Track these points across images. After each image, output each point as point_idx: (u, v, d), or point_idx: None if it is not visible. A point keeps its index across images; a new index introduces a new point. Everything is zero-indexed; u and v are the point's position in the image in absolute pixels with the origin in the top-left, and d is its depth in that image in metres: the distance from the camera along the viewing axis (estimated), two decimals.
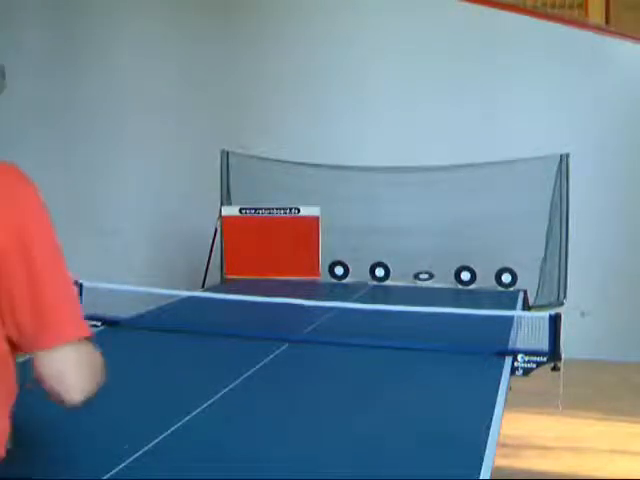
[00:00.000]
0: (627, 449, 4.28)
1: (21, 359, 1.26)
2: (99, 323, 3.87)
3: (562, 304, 5.84)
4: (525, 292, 5.31)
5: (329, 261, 5.87)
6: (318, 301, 4.19)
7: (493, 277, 5.58)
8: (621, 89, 6.49)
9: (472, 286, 5.61)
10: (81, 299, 3.93)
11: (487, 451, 2.08)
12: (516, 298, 5.08)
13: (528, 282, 5.72)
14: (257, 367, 3.06)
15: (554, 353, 3.35)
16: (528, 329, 3.64)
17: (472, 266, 5.63)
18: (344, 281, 5.82)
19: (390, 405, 2.65)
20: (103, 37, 7.48)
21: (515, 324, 3.83)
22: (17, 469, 1.79)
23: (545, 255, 6.19)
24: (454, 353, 3.37)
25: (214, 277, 6.03)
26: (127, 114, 7.45)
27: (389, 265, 5.80)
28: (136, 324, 3.93)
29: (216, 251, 6.14)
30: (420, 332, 3.62)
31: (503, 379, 2.98)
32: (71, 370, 1.22)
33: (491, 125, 6.63)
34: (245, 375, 2.92)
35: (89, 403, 1.26)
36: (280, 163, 6.70)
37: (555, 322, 3.38)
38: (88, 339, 1.25)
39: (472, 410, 2.58)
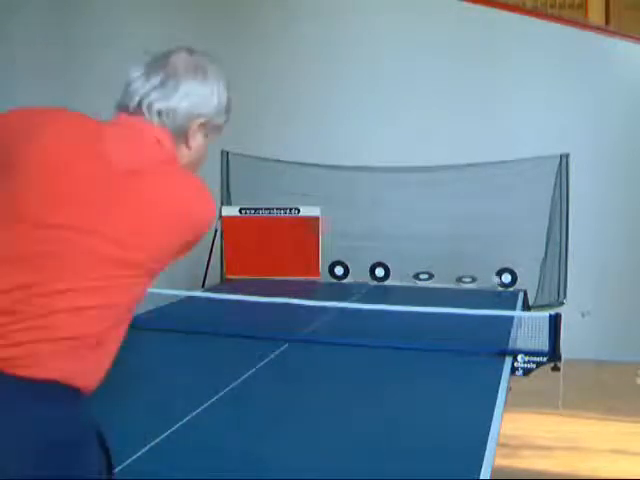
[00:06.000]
0: (627, 449, 4.27)
1: None
2: None
3: (562, 304, 5.84)
4: (525, 292, 5.31)
5: (329, 261, 5.87)
6: (318, 301, 4.19)
7: (493, 277, 5.58)
8: (621, 89, 6.48)
9: (472, 285, 5.61)
10: None
11: (487, 451, 2.08)
12: (516, 298, 5.08)
13: (528, 282, 5.72)
14: (257, 367, 3.06)
15: (554, 353, 3.35)
16: (528, 329, 3.64)
17: (476, 274, 5.66)
18: (344, 281, 5.82)
19: (390, 405, 2.65)
20: (102, 37, 7.48)
21: (515, 324, 3.83)
22: None
23: (545, 255, 6.19)
24: (454, 353, 3.37)
25: (214, 277, 6.03)
26: None
27: (389, 265, 5.80)
28: (136, 324, 3.91)
29: (216, 251, 6.14)
30: (420, 332, 3.62)
31: (503, 379, 2.99)
32: None
33: (491, 125, 6.62)
34: (245, 375, 2.92)
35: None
36: (280, 163, 6.70)
37: (555, 322, 3.38)
38: None
39: (472, 410, 2.58)
